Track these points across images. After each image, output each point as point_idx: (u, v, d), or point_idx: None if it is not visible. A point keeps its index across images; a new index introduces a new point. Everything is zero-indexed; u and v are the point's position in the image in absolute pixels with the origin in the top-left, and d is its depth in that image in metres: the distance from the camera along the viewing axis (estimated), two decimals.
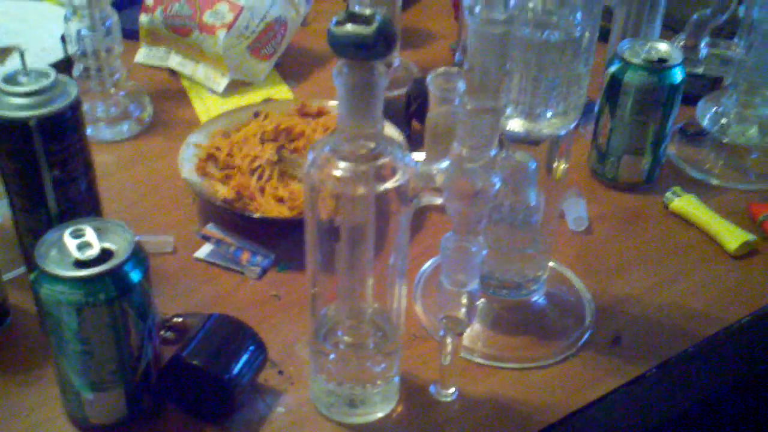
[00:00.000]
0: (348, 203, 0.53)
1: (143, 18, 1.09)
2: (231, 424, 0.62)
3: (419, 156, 0.86)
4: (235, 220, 0.80)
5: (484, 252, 0.56)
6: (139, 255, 0.57)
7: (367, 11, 0.47)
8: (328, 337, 0.61)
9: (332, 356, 0.61)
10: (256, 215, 0.79)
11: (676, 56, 0.85)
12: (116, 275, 0.55)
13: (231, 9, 1.03)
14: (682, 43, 0.90)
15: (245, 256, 0.77)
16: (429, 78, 0.80)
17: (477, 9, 0.49)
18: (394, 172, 0.52)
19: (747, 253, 0.81)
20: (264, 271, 0.77)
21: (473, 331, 0.71)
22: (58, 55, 1.03)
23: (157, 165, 0.91)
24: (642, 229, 0.85)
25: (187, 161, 0.84)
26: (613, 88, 0.85)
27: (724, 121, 0.92)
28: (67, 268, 0.55)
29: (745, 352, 0.72)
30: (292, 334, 0.70)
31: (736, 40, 0.89)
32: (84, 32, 0.90)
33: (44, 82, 0.63)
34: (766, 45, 0.86)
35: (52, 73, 0.64)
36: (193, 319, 0.67)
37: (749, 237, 0.81)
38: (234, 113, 0.93)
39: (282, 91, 1.06)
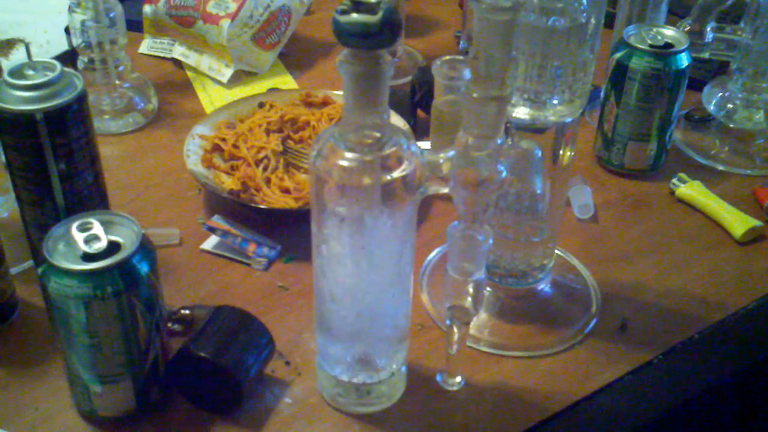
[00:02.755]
0: (354, 193, 0.53)
1: (147, 9, 1.08)
2: (239, 416, 0.62)
3: (425, 145, 0.86)
4: (241, 212, 0.80)
5: (491, 241, 0.56)
6: (146, 247, 0.57)
7: None
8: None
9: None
10: (262, 206, 0.79)
11: (682, 41, 0.84)
12: (124, 268, 0.55)
13: None
14: (687, 28, 0.89)
15: (251, 248, 0.77)
16: (434, 66, 0.80)
17: None
18: (400, 162, 0.52)
19: (753, 239, 0.81)
20: (270, 263, 0.77)
21: (479, 320, 0.71)
22: (62, 46, 1.03)
23: (162, 157, 0.91)
24: (648, 216, 0.85)
25: (192, 153, 0.84)
26: (619, 74, 0.85)
27: (730, 106, 0.92)
28: (74, 262, 0.55)
29: (752, 339, 0.72)
30: (298, 325, 0.70)
31: (742, 24, 0.89)
32: (88, 23, 0.90)
33: (50, 75, 0.63)
34: None
35: (58, 66, 0.64)
36: (200, 311, 0.67)
37: (755, 223, 0.81)
38: (239, 104, 0.92)
39: (286, 81, 1.06)
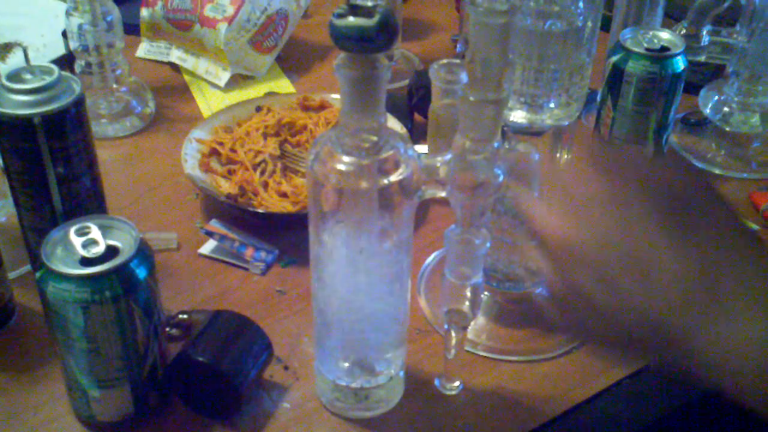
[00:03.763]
0: (351, 197, 0.53)
1: (144, 12, 1.08)
2: (237, 420, 0.62)
3: (422, 149, 0.86)
4: (239, 216, 0.80)
5: (488, 244, 0.56)
6: (144, 252, 0.57)
7: (369, 3, 0.47)
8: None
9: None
10: (260, 210, 0.79)
11: (678, 44, 0.84)
12: (122, 272, 0.55)
13: (232, 2, 1.03)
14: (683, 31, 0.89)
15: (249, 252, 0.77)
16: (431, 70, 0.80)
17: None
18: (397, 166, 0.52)
19: None
20: (268, 267, 0.77)
21: (477, 324, 0.71)
22: (59, 50, 1.03)
23: (159, 161, 0.91)
24: None
25: (189, 157, 0.84)
26: (615, 77, 0.85)
27: (726, 109, 0.92)
28: (72, 266, 0.55)
29: None
30: (297, 329, 0.70)
31: (738, 27, 0.89)
32: (85, 27, 0.90)
33: (48, 79, 0.63)
34: None
35: (56, 70, 0.64)
36: (198, 315, 0.67)
37: (752, 227, 0.81)
38: (236, 108, 0.93)
39: (284, 85, 1.06)
